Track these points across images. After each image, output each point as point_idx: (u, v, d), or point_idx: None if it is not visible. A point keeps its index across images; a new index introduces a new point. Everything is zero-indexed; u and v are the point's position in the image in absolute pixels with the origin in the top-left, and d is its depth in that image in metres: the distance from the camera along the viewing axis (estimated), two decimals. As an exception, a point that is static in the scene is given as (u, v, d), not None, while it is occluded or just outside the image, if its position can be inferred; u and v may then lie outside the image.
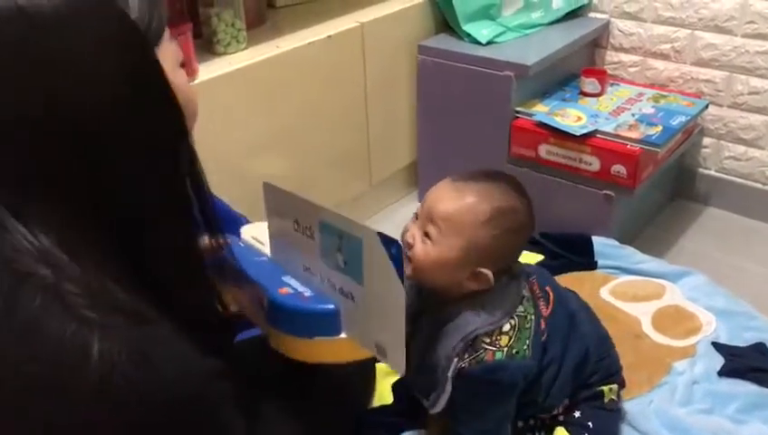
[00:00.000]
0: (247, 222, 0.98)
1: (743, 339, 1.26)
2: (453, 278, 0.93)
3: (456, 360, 0.92)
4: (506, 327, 0.93)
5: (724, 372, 1.18)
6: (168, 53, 0.60)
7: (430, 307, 0.97)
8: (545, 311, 0.98)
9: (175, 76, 0.61)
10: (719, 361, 1.21)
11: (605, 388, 1.03)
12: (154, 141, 0.58)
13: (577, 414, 1.01)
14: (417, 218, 0.96)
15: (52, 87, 0.52)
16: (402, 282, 0.71)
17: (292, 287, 0.78)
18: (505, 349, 0.92)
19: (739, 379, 1.17)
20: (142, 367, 0.50)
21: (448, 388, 0.92)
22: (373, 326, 0.75)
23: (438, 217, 0.92)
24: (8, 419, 0.50)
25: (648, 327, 1.30)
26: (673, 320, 1.31)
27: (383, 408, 1.10)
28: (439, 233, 0.92)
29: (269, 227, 0.88)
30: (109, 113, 0.54)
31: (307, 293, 0.77)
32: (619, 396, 1.05)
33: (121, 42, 0.55)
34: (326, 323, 0.75)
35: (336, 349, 0.77)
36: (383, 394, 1.12)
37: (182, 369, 0.54)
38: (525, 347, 0.93)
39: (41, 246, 0.52)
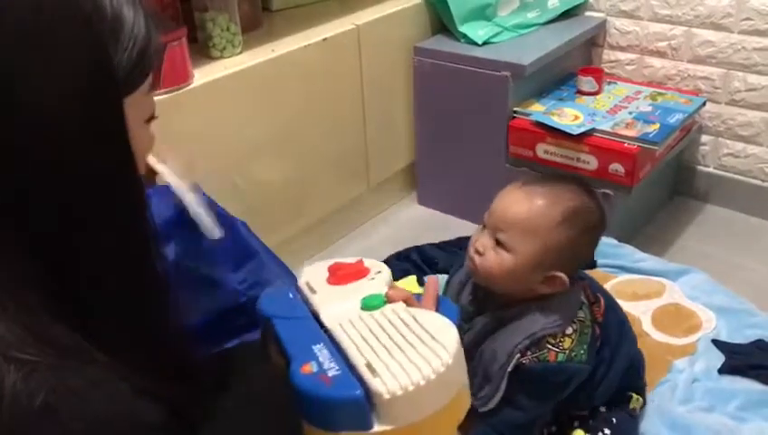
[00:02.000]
0: (243, 225, 0.97)
1: (743, 336, 1.25)
2: (526, 283, 0.94)
3: (518, 356, 0.93)
4: (569, 330, 0.94)
5: (724, 370, 1.18)
6: (139, 105, 0.56)
7: (489, 308, 0.98)
8: (599, 316, 1.00)
9: (138, 131, 0.56)
10: (719, 358, 1.20)
11: (633, 395, 1.05)
12: (97, 183, 0.53)
13: (602, 409, 1.03)
14: (484, 227, 0.96)
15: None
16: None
17: (318, 363, 0.62)
18: (567, 351, 0.93)
19: (740, 376, 1.16)
20: (56, 415, 0.47)
21: (503, 385, 0.93)
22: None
23: (511, 223, 0.92)
24: None
25: (648, 326, 1.29)
26: (673, 318, 1.31)
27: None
28: (513, 239, 0.92)
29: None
30: (53, 150, 0.49)
31: (332, 371, 0.60)
32: (641, 409, 1.07)
33: (91, 87, 0.50)
34: (352, 415, 0.59)
35: None
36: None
37: (97, 419, 0.49)
38: (583, 352, 0.94)
39: None
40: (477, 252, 0.95)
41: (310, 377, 0.61)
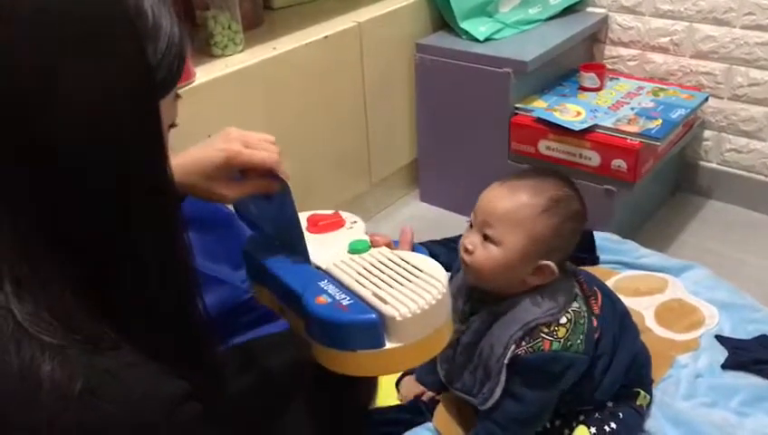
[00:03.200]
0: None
1: (746, 332, 1.25)
2: (517, 276, 0.96)
3: (513, 347, 0.95)
4: (563, 320, 0.96)
5: (727, 365, 1.18)
6: (166, 111, 0.57)
7: (484, 305, 1.00)
8: (596, 309, 1.02)
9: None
10: (723, 354, 1.20)
11: (641, 391, 1.06)
12: (137, 181, 0.54)
13: (610, 404, 1.03)
14: (471, 226, 0.99)
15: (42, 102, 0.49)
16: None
17: (330, 295, 0.72)
18: (562, 340, 0.95)
19: (743, 372, 1.17)
20: (91, 402, 0.49)
21: (503, 378, 0.95)
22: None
23: (496, 218, 0.95)
24: None
25: (650, 321, 1.29)
26: (676, 314, 1.31)
27: (388, 407, 1.10)
28: (500, 233, 0.95)
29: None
30: (88, 145, 0.51)
31: (345, 301, 0.70)
32: (648, 406, 1.07)
33: (130, 86, 0.52)
34: (369, 335, 0.69)
35: (381, 362, 0.70)
36: (387, 392, 1.12)
37: (140, 398, 0.51)
38: (579, 341, 0.96)
39: (8, 279, 0.49)
40: (467, 250, 0.97)
41: (327, 306, 0.70)
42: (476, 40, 1.75)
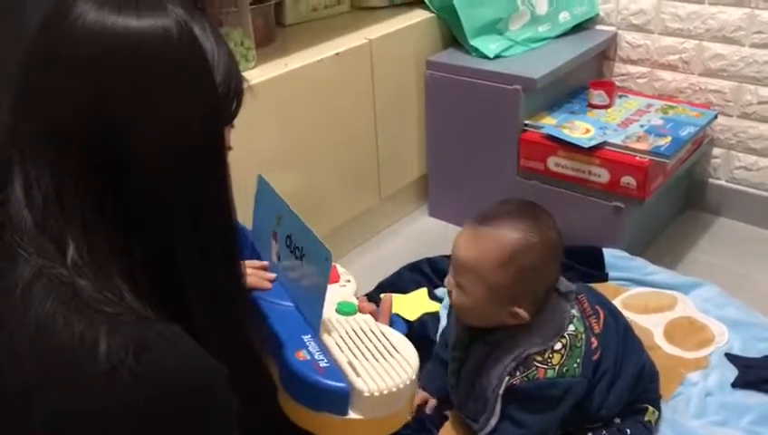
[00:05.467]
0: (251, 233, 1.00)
1: (756, 350, 1.25)
2: (492, 319, 0.99)
3: (507, 378, 0.96)
4: (558, 346, 0.96)
5: (737, 384, 1.18)
6: (226, 136, 0.64)
7: (479, 335, 1.02)
8: (596, 328, 1.02)
9: None
10: (733, 372, 1.20)
11: (649, 407, 1.06)
12: (206, 204, 0.60)
13: (617, 420, 1.04)
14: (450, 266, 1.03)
15: (132, 116, 0.55)
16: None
17: (310, 352, 0.75)
18: (557, 367, 0.95)
19: (753, 390, 1.16)
20: (145, 359, 0.52)
21: (497, 409, 0.97)
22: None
23: (461, 267, 0.98)
24: (14, 410, 0.52)
25: (660, 339, 1.30)
26: (685, 331, 1.31)
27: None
28: (465, 281, 0.98)
29: (254, 214, 0.92)
30: (160, 169, 0.57)
31: (323, 363, 0.74)
32: (657, 423, 1.08)
33: (203, 118, 0.59)
34: (335, 402, 0.73)
35: (340, 428, 0.74)
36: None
37: (193, 362, 0.55)
38: (576, 365, 0.96)
39: (72, 256, 0.55)
40: (448, 291, 1.01)
41: (305, 363, 0.74)
42: (486, 57, 1.76)
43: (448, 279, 1.01)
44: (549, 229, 0.99)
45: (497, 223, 0.98)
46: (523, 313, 0.96)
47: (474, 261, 0.96)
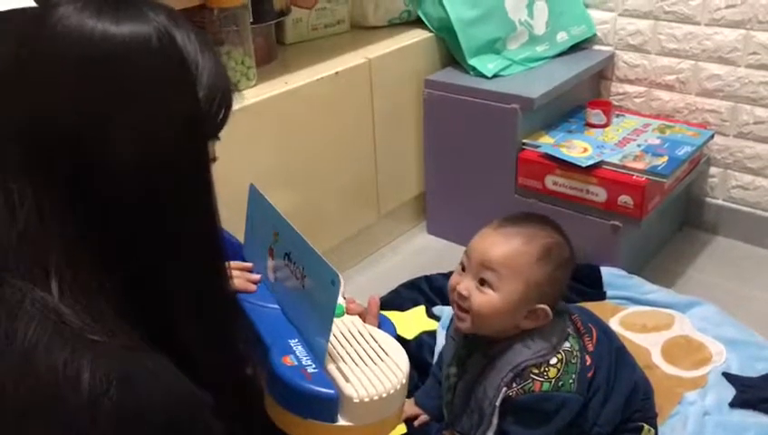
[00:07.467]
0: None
1: (754, 369, 1.25)
2: (512, 320, 0.98)
3: (504, 389, 0.96)
4: (554, 360, 0.97)
5: (735, 403, 1.17)
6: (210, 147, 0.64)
7: (478, 348, 1.02)
8: (590, 346, 1.03)
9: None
10: (730, 391, 1.20)
11: (645, 425, 1.07)
12: (190, 214, 0.60)
13: None
14: (463, 270, 1.00)
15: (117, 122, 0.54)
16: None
17: (296, 357, 0.73)
18: (553, 380, 0.96)
19: (751, 410, 1.16)
20: (128, 390, 0.51)
21: (495, 421, 0.97)
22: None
23: (495, 263, 0.97)
24: None
25: (657, 358, 1.29)
26: (683, 350, 1.31)
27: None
28: (497, 279, 0.97)
29: (246, 227, 0.90)
30: (140, 179, 0.56)
31: (310, 368, 0.72)
32: None
33: (183, 128, 0.58)
34: (324, 408, 0.70)
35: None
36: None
37: (176, 395, 0.54)
38: (571, 381, 0.97)
39: (55, 277, 0.54)
40: (462, 296, 0.98)
41: (292, 369, 0.71)
42: (484, 76, 1.78)
43: (463, 284, 0.98)
44: (566, 237, 1.03)
45: (524, 224, 1.01)
46: (546, 309, 0.97)
47: (510, 257, 0.97)
